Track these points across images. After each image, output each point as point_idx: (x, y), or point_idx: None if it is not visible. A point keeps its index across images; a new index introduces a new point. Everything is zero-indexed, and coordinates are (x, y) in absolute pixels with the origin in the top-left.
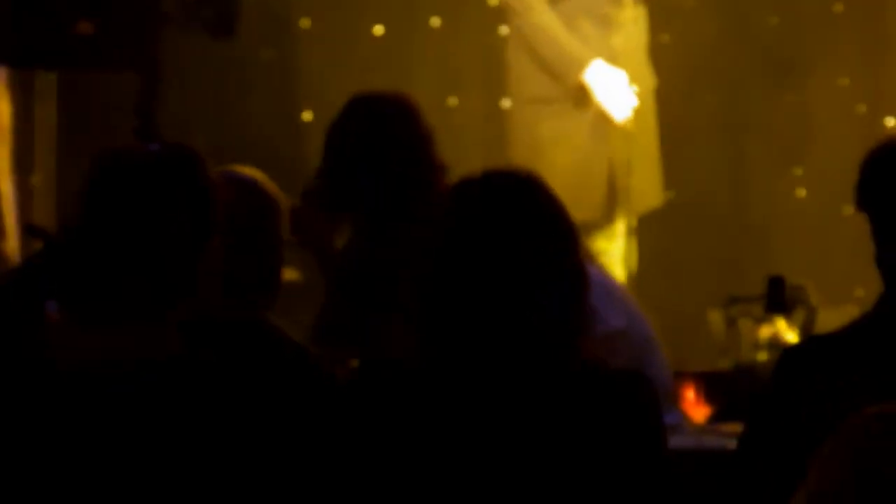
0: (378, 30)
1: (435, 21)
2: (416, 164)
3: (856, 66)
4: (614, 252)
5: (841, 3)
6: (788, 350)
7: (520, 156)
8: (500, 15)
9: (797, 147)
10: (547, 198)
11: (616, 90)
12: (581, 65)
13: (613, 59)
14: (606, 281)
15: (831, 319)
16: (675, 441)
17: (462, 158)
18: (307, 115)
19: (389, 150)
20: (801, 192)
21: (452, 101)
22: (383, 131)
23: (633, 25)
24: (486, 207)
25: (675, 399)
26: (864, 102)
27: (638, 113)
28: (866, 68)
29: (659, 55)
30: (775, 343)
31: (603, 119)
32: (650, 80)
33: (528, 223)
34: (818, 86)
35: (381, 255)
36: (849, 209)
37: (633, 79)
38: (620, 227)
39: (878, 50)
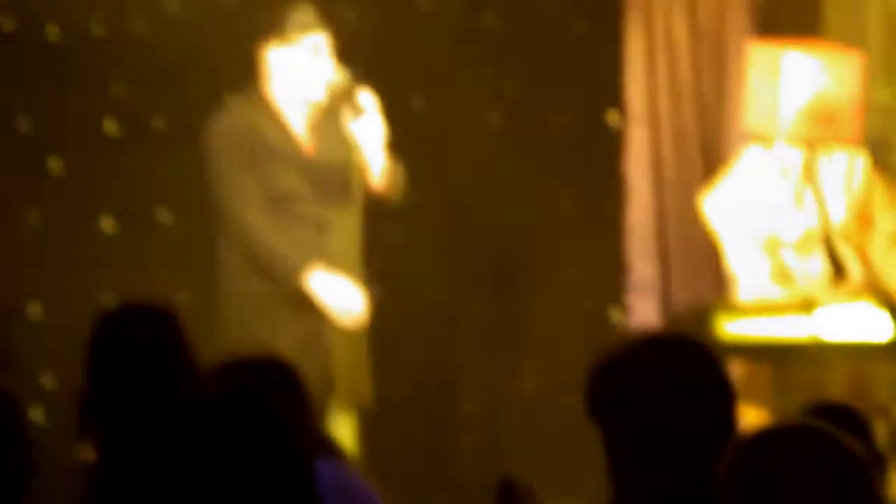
0: (107, 223)
1: (164, 215)
2: (179, 373)
3: (583, 258)
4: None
5: (567, 196)
6: None
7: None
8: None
9: (522, 339)
10: (276, 421)
11: (340, 296)
12: (300, 270)
13: (329, 260)
14: (346, 481)
15: None
16: None
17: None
18: (35, 309)
19: (157, 361)
20: (528, 385)
21: (182, 295)
22: (150, 343)
23: (347, 226)
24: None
25: None
26: (591, 295)
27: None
28: (593, 261)
29: (385, 251)
30: None
31: (321, 322)
32: (362, 280)
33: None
34: (545, 278)
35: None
36: (575, 400)
37: (349, 278)
38: (346, 426)
39: (606, 243)
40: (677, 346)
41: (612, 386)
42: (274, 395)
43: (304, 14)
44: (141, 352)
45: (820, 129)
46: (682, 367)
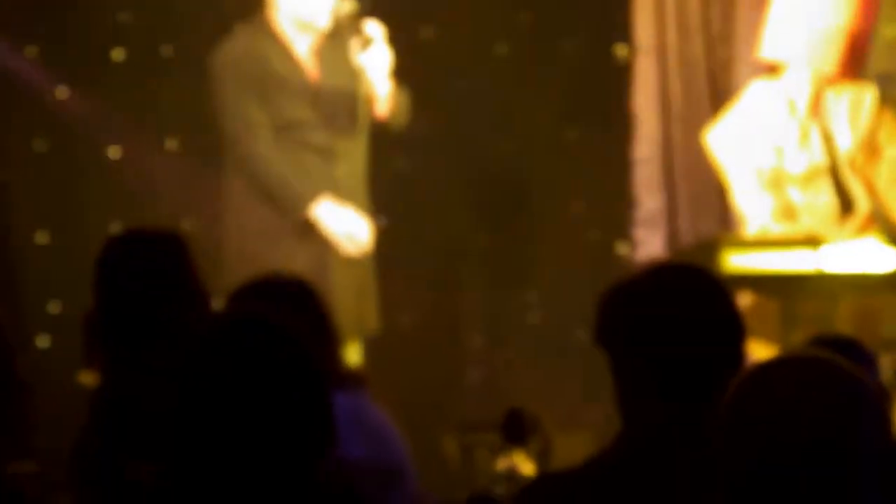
0: (114, 151)
1: (171, 143)
2: (186, 298)
3: (590, 191)
4: None
5: (575, 129)
6: (523, 490)
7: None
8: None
9: (529, 272)
10: (292, 343)
11: (346, 225)
12: (307, 200)
13: (336, 189)
14: (357, 411)
15: (567, 444)
16: None
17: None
18: (42, 238)
19: (164, 286)
20: (534, 317)
21: (187, 224)
22: (157, 268)
23: (354, 155)
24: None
25: None
26: (597, 228)
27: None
28: (600, 194)
29: (392, 181)
30: (512, 475)
31: (326, 251)
32: (368, 209)
33: (269, 370)
34: (551, 211)
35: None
36: (582, 333)
37: (355, 208)
38: (353, 355)
39: (612, 176)
40: (687, 274)
41: (621, 312)
42: (293, 318)
43: None
44: (147, 276)
45: (831, 62)
46: (692, 295)
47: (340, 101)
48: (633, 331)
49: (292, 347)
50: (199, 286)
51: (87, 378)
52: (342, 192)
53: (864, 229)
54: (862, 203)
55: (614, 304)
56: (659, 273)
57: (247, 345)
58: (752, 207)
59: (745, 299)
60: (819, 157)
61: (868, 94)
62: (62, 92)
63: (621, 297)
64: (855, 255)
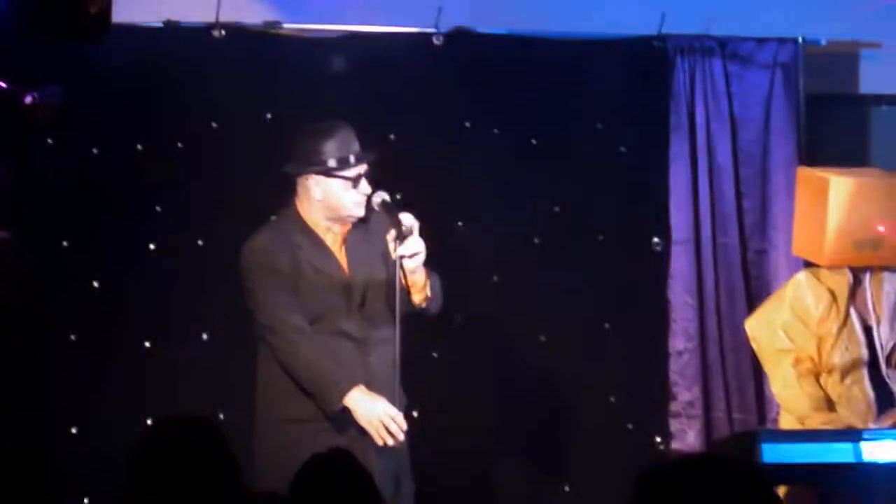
0: (146, 343)
1: (204, 334)
2: (222, 487)
3: (625, 383)
4: None
5: (609, 320)
6: None
7: (276, 476)
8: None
9: (564, 463)
10: None
11: (379, 415)
12: (342, 390)
13: (369, 378)
14: None
15: None
16: None
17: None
18: (73, 430)
19: (196, 476)
20: None
21: (220, 415)
22: (191, 458)
23: (387, 344)
24: None
25: None
26: (633, 419)
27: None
28: (635, 385)
29: (428, 370)
30: None
31: (360, 440)
32: (402, 397)
33: None
34: (587, 402)
35: None
36: None
37: (388, 397)
38: None
39: (646, 367)
40: (724, 465)
41: (650, 498)
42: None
43: (345, 145)
44: (182, 466)
45: (865, 253)
46: (728, 485)
47: (373, 290)
48: None
49: None
50: (236, 476)
51: None
52: (375, 382)
53: None
54: None
55: (650, 489)
56: (695, 463)
57: None
58: (790, 397)
59: (780, 490)
60: (859, 349)
61: None
62: (95, 284)
63: (649, 483)
64: (892, 447)
